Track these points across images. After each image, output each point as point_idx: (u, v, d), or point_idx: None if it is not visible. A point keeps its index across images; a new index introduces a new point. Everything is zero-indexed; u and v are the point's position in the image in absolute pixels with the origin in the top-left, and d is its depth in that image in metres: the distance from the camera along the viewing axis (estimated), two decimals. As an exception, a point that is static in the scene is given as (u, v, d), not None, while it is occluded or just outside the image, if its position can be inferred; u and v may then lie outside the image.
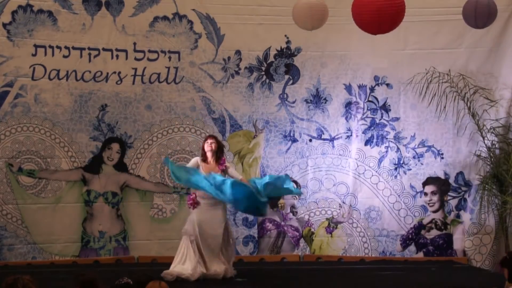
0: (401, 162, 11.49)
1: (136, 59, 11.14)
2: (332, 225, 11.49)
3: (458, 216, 11.54)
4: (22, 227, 10.85)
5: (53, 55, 10.89)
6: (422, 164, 11.50)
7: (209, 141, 9.47)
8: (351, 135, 11.50)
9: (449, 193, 11.53)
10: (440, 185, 11.52)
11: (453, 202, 11.54)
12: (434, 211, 11.54)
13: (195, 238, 9.35)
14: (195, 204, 9.42)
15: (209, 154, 9.46)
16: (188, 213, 9.61)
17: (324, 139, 11.50)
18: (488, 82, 11.36)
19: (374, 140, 11.50)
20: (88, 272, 5.89)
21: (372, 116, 11.49)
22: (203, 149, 9.52)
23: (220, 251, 9.44)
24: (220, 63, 11.30)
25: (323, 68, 11.46)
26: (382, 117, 11.51)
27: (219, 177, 9.19)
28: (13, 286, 5.22)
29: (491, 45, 11.35)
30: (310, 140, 11.50)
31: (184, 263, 9.33)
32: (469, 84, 11.15)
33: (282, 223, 11.44)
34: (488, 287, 9.09)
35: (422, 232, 11.50)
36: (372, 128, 11.50)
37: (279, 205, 11.43)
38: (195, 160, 9.55)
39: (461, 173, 11.53)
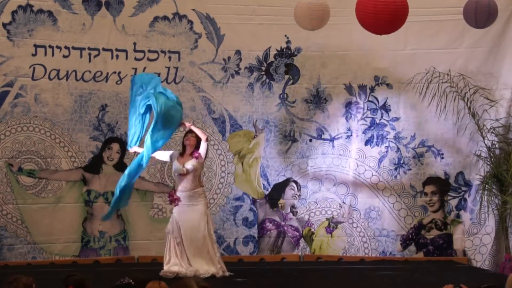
0: (401, 162, 11.49)
1: (136, 59, 11.14)
2: (332, 225, 11.49)
3: (458, 216, 11.54)
4: (22, 227, 10.85)
5: (53, 55, 10.89)
6: (422, 164, 11.50)
7: (189, 136, 9.64)
8: (351, 135, 11.50)
9: (449, 193, 11.53)
10: (440, 185, 11.52)
11: (453, 202, 11.54)
12: (434, 211, 11.54)
13: (180, 240, 9.41)
14: (175, 200, 9.48)
15: (188, 148, 9.63)
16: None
17: (324, 139, 11.51)
18: (488, 82, 11.35)
19: (374, 140, 11.50)
20: (77, 273, 5.90)
21: (372, 116, 11.49)
22: (183, 143, 9.72)
23: (207, 249, 9.47)
24: (220, 63, 11.30)
25: (323, 68, 11.46)
26: (382, 117, 11.51)
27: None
28: (14, 284, 5.24)
29: (491, 45, 11.34)
30: (310, 140, 11.50)
31: (180, 261, 9.39)
32: (469, 84, 11.15)
33: (282, 223, 11.45)
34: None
35: (422, 232, 11.50)
36: (372, 128, 11.50)
37: (279, 205, 11.43)
38: (171, 153, 9.73)
39: (461, 173, 11.53)
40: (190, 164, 9.48)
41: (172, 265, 9.41)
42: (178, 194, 9.51)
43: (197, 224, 9.46)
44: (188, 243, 9.43)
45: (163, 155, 9.81)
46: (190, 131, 9.68)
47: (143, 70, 11.11)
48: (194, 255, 9.43)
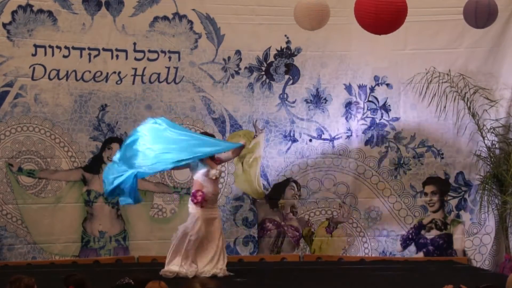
0: (401, 162, 11.49)
1: (136, 59, 11.14)
2: (332, 225, 11.49)
3: (458, 216, 11.54)
4: (22, 227, 10.85)
5: (53, 55, 10.89)
6: (422, 164, 11.50)
7: None
8: (351, 135, 11.50)
9: (449, 193, 11.53)
10: (440, 185, 11.52)
11: (453, 202, 11.54)
12: (434, 211, 11.54)
13: (196, 238, 9.40)
14: (204, 202, 9.45)
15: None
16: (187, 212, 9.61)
17: (324, 139, 11.51)
18: (488, 82, 11.36)
19: (374, 140, 11.50)
20: (77, 272, 5.91)
21: (372, 116, 11.49)
22: None
23: (219, 248, 9.50)
24: (220, 63, 11.30)
25: (323, 68, 11.46)
26: (382, 117, 11.51)
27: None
28: (16, 284, 5.24)
29: (491, 45, 11.35)
30: (310, 140, 11.50)
31: (182, 261, 9.39)
32: (469, 84, 11.15)
33: (282, 223, 11.45)
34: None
35: (422, 232, 11.50)
36: (372, 128, 11.50)
37: (279, 205, 11.43)
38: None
39: (461, 173, 11.53)
40: (219, 168, 9.66)
41: (173, 264, 9.41)
42: (209, 196, 9.51)
43: (217, 225, 9.55)
44: (203, 243, 9.47)
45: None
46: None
47: (143, 70, 11.11)
48: (202, 254, 9.45)
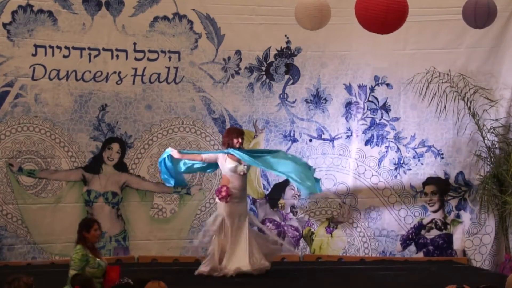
0: (401, 162, 11.50)
1: (136, 59, 11.14)
2: (332, 225, 11.49)
3: (458, 216, 11.54)
4: (22, 227, 10.85)
5: (53, 55, 10.90)
6: (422, 164, 11.51)
7: (240, 140, 9.83)
8: (351, 135, 11.50)
9: (449, 193, 11.54)
10: (440, 185, 11.52)
11: (453, 202, 11.54)
12: (434, 211, 11.54)
13: (223, 237, 9.49)
14: (229, 197, 9.56)
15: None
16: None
17: (324, 139, 11.51)
18: (488, 82, 11.37)
19: (374, 140, 11.50)
20: (82, 273, 5.92)
21: (372, 116, 11.50)
22: (231, 142, 9.78)
23: (248, 246, 9.58)
24: (220, 63, 11.31)
25: (323, 68, 11.47)
26: (382, 117, 11.51)
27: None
28: (14, 283, 5.25)
29: (491, 45, 11.35)
30: (310, 140, 11.51)
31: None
32: (469, 84, 11.16)
33: (282, 223, 11.45)
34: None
35: (422, 232, 11.50)
36: (372, 128, 11.50)
37: (279, 205, 11.43)
38: (219, 154, 9.86)
39: (461, 173, 11.53)
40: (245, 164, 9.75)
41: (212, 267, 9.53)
42: (235, 191, 9.64)
43: (245, 218, 9.68)
44: (233, 238, 9.56)
45: (212, 157, 9.92)
46: (242, 133, 9.99)
47: (143, 70, 11.12)
48: (234, 250, 9.53)
